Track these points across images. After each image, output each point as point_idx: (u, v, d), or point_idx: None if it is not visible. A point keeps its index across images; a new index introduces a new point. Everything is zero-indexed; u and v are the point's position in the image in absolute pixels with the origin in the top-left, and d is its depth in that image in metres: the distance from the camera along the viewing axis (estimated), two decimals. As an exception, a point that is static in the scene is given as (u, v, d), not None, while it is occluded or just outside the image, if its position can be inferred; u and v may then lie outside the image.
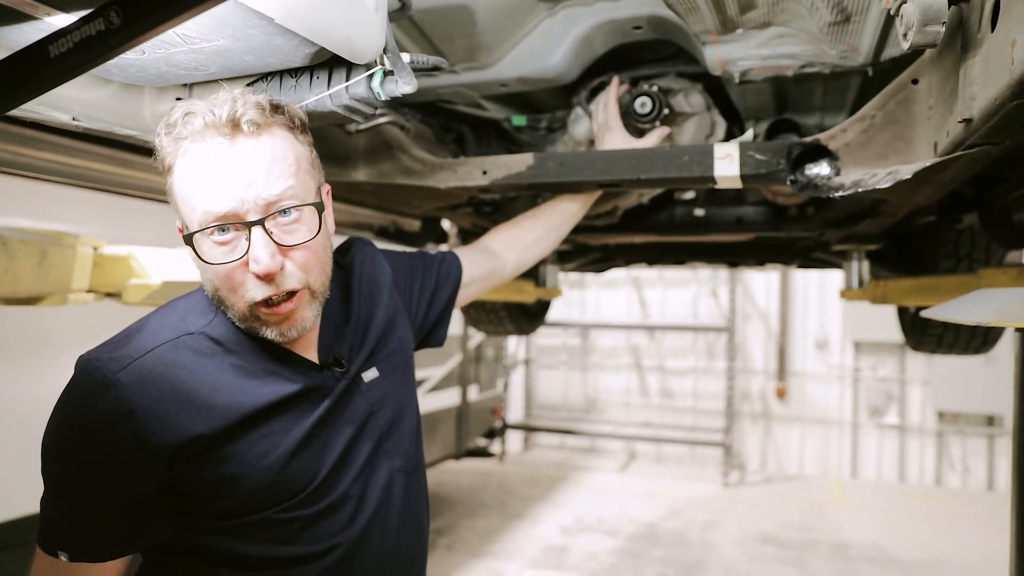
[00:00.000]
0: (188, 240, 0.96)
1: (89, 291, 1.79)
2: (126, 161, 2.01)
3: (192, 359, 0.98)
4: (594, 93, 1.83)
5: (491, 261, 1.58)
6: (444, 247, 3.61)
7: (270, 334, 0.99)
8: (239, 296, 0.96)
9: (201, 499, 0.98)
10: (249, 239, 0.93)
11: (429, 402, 5.77)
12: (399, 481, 1.15)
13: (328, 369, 1.09)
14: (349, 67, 1.03)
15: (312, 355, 1.09)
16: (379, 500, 1.10)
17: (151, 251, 1.90)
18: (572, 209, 1.72)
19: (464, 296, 1.49)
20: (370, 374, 1.15)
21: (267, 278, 0.94)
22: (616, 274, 8.75)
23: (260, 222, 0.92)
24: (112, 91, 1.09)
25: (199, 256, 0.95)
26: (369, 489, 1.10)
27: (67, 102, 1.03)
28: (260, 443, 0.99)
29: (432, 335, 1.43)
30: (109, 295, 1.89)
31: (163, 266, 1.90)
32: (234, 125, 0.91)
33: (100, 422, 0.93)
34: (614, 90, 1.71)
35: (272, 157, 0.94)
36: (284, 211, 0.95)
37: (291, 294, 0.97)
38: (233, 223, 0.92)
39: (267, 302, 0.96)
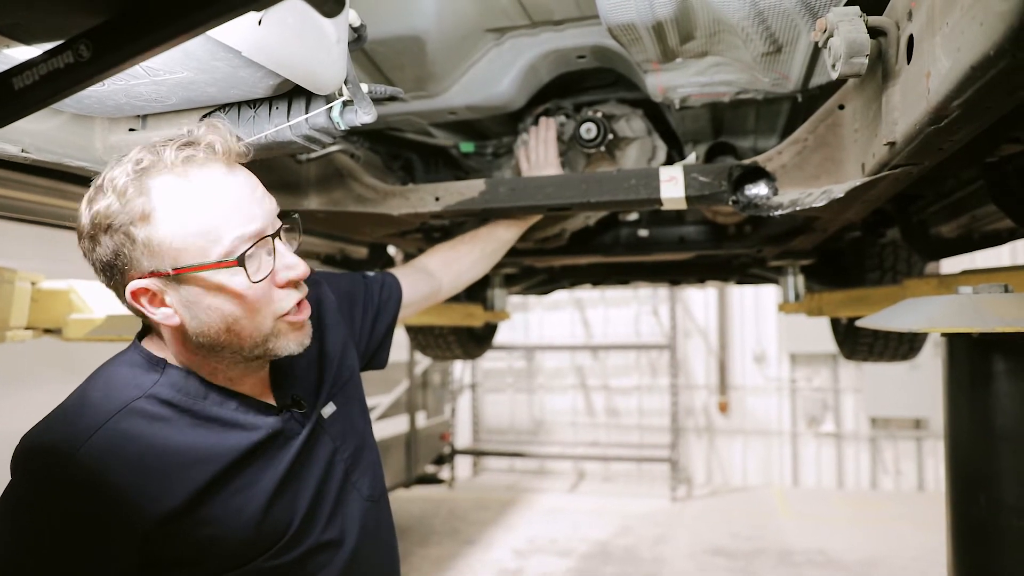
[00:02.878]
0: (205, 271, 0.91)
1: (28, 327, 1.72)
2: (66, 192, 1.95)
3: (147, 427, 0.92)
4: (538, 120, 1.88)
5: (429, 283, 1.59)
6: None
7: (291, 347, 0.99)
8: (266, 314, 0.95)
9: (179, 564, 0.94)
10: (273, 251, 0.94)
11: (378, 430, 5.62)
12: (371, 511, 1.15)
13: (287, 410, 1.06)
14: (308, 97, 1.04)
15: (268, 398, 1.07)
16: (357, 534, 1.10)
17: (93, 284, 1.85)
18: (507, 236, 1.77)
19: (401, 317, 1.48)
20: (328, 409, 1.13)
21: (300, 280, 0.97)
22: (559, 296, 8.85)
23: (278, 232, 0.96)
24: (62, 122, 1.07)
25: (221, 288, 0.91)
26: (344, 525, 1.09)
27: (16, 133, 1.01)
28: (233, 499, 0.96)
29: (375, 358, 1.42)
30: (48, 331, 1.82)
31: (106, 300, 1.84)
32: (229, 153, 0.93)
33: (61, 511, 0.87)
34: (552, 129, 1.79)
35: (254, 176, 0.98)
36: (284, 216, 0.99)
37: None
38: (258, 241, 0.92)
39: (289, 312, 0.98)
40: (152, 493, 0.90)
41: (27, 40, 0.72)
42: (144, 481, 0.90)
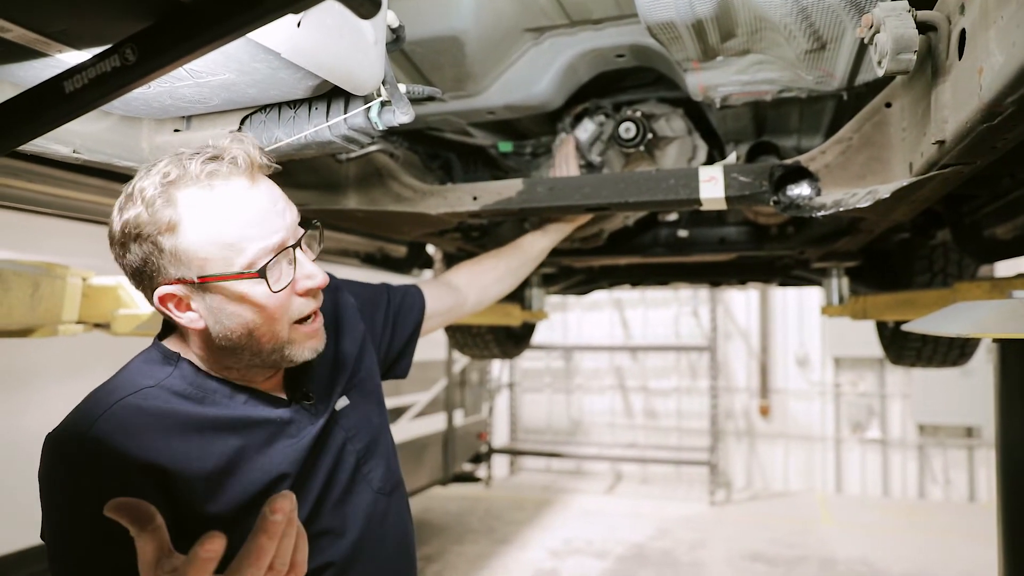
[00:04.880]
0: (226, 281, 0.94)
1: (78, 322, 1.78)
2: (114, 191, 2.01)
3: (161, 404, 0.97)
4: (578, 119, 1.87)
5: (453, 297, 1.62)
6: (429, 273, 3.63)
7: (306, 354, 1.03)
8: (283, 322, 0.99)
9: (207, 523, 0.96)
10: (294, 261, 0.98)
11: (415, 428, 5.73)
12: (379, 503, 1.17)
13: (298, 403, 1.10)
14: (347, 98, 1.06)
15: (279, 392, 1.11)
16: (361, 524, 1.12)
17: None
18: (534, 252, 1.80)
19: (425, 329, 1.52)
20: (342, 403, 1.18)
21: (318, 290, 1.01)
22: (598, 296, 8.80)
23: (299, 242, 0.99)
24: (111, 124, 1.11)
25: (243, 298, 0.94)
26: (348, 514, 1.12)
27: (68, 135, 1.05)
28: (245, 476, 0.99)
29: (396, 366, 1.45)
30: (98, 326, 1.88)
31: (152, 296, 1.89)
32: (252, 166, 0.96)
33: (85, 484, 0.90)
34: (571, 147, 1.82)
35: (278, 187, 1.01)
36: (305, 225, 1.02)
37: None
38: (280, 252, 0.96)
39: (304, 319, 1.01)
40: (169, 455, 0.93)
41: (77, 45, 0.75)
42: (162, 444, 0.93)
